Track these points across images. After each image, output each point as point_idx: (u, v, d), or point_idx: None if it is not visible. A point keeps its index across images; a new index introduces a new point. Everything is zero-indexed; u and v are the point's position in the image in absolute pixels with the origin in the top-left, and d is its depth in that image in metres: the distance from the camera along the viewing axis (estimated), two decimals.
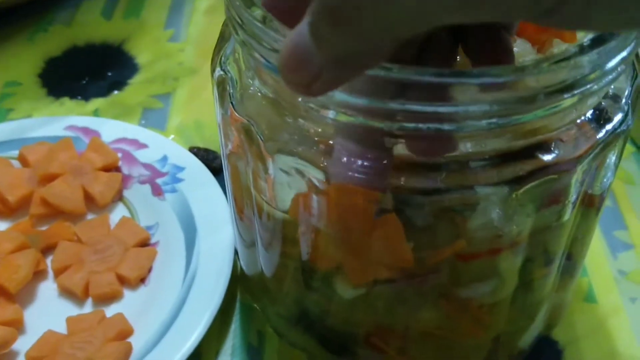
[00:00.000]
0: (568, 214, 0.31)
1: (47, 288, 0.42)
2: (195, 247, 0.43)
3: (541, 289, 0.34)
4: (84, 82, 0.58)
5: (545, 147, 0.28)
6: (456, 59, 0.29)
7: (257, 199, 0.33)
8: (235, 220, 0.39)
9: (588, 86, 0.25)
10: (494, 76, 0.24)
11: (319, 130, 0.28)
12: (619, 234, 0.46)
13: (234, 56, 0.32)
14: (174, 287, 0.41)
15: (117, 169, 0.48)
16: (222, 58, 0.33)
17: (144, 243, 0.44)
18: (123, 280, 0.42)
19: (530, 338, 0.38)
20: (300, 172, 0.29)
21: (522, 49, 0.30)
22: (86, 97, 0.56)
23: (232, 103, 0.31)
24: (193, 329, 0.38)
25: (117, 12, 0.65)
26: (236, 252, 0.42)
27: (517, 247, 0.31)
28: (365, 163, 0.27)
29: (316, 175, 0.29)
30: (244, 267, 0.41)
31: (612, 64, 0.26)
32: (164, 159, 0.48)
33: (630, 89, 0.30)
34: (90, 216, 0.46)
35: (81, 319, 0.40)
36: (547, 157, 0.28)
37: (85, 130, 0.50)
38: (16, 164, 0.48)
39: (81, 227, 0.44)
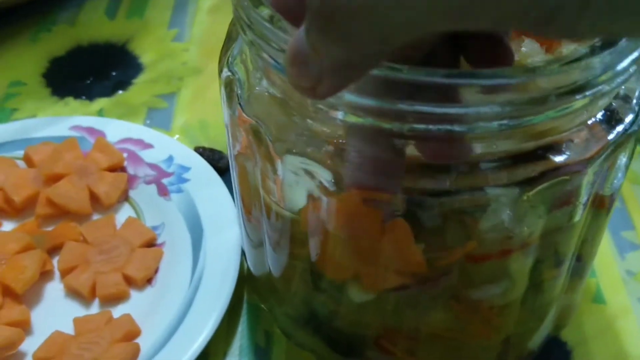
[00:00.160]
0: (579, 215, 0.31)
1: (54, 289, 0.42)
2: (202, 247, 0.42)
3: (551, 290, 0.34)
4: (88, 82, 0.58)
5: (556, 148, 0.28)
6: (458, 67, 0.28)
7: (266, 199, 0.33)
8: (242, 220, 0.38)
9: (599, 87, 0.25)
10: (506, 77, 0.24)
11: (328, 130, 0.28)
12: (627, 234, 0.46)
13: (241, 57, 0.32)
14: (180, 288, 0.41)
15: (123, 169, 0.48)
16: (230, 59, 0.33)
17: (150, 243, 0.44)
18: (130, 281, 0.42)
19: (540, 339, 0.38)
20: (309, 173, 0.29)
21: (530, 49, 0.30)
22: (90, 97, 0.56)
23: (240, 104, 0.31)
24: (201, 330, 0.38)
25: (121, 11, 0.65)
26: (243, 253, 0.42)
27: (527, 249, 0.30)
28: (378, 166, 0.27)
29: (325, 176, 0.28)
30: (251, 268, 0.41)
31: (623, 64, 0.25)
32: (170, 159, 0.48)
33: None
34: (95, 216, 0.46)
35: (88, 319, 0.40)
36: (558, 159, 0.28)
37: (90, 130, 0.50)
38: (21, 164, 0.48)
39: (87, 228, 0.44)
